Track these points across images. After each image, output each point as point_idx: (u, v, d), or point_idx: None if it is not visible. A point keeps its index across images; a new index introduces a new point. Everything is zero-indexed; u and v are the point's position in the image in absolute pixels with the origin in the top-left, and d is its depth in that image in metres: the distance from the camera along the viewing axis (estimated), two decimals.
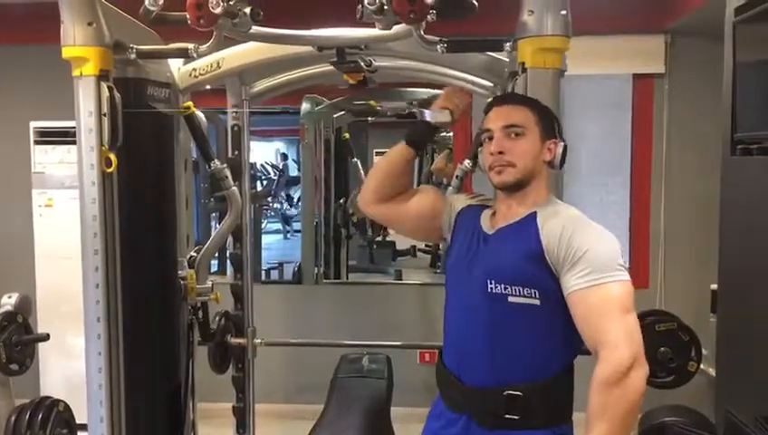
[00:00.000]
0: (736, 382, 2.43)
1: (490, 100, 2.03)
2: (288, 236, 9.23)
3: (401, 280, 5.70)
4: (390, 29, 1.91)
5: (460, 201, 1.94)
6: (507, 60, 2.20)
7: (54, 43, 2.17)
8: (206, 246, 2.65)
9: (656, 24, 4.00)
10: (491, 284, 1.67)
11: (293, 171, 9.67)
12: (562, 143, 1.75)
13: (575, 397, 1.74)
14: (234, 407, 3.14)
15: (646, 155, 4.18)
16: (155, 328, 2.36)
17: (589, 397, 1.54)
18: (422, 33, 1.93)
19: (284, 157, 9.92)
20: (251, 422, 3.17)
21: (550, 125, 1.76)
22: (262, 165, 9.37)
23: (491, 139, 1.74)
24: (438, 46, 1.99)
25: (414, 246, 6.60)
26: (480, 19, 1.86)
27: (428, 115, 1.94)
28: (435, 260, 6.26)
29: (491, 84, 2.64)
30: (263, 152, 9.47)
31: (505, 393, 1.65)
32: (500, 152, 1.71)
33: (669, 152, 4.14)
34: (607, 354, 1.53)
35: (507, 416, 1.66)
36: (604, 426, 1.51)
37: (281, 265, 6.29)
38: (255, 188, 3.94)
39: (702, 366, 2.75)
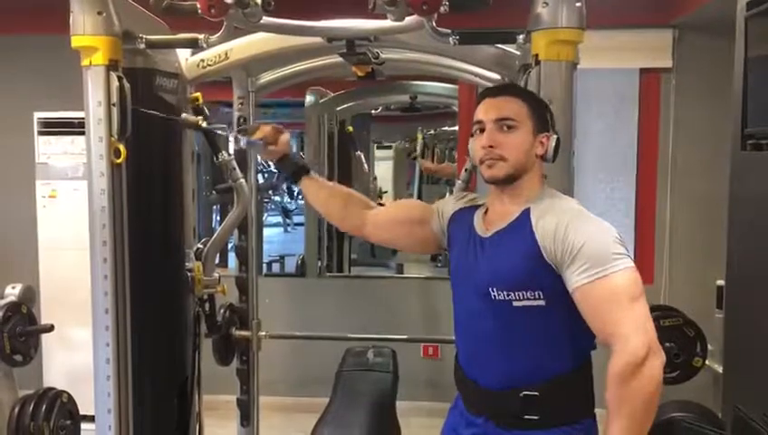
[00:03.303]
0: (744, 378, 2.43)
1: (482, 91, 2.01)
2: (288, 229, 9.21)
3: (402, 274, 5.71)
4: (402, 20, 1.90)
5: (449, 206, 1.90)
6: (518, 53, 2.19)
7: (58, 33, 2.16)
8: (213, 237, 2.64)
9: (663, 18, 3.98)
10: (493, 291, 1.64)
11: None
12: (555, 136, 1.71)
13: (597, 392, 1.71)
14: (238, 399, 3.14)
15: (652, 150, 4.16)
16: (162, 320, 2.35)
17: (606, 393, 1.50)
18: (434, 24, 1.92)
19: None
20: (255, 415, 3.17)
21: (543, 118, 1.71)
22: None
23: (482, 131, 1.69)
24: (450, 38, 1.98)
25: None
26: (486, 12, 1.85)
27: (244, 142, 2.10)
28: (435, 254, 6.26)
29: (499, 77, 2.63)
30: None
31: (522, 394, 1.63)
32: (491, 146, 1.67)
33: (676, 147, 4.13)
34: (620, 347, 1.49)
35: (526, 417, 1.63)
36: (624, 422, 1.48)
37: (282, 258, 6.29)
38: (257, 180, 3.94)
39: (707, 362, 2.76)
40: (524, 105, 1.69)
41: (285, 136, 2.10)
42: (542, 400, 1.62)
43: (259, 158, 3.16)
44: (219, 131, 2.56)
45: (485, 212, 1.78)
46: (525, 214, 1.66)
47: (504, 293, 1.62)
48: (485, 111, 1.70)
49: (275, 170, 9.58)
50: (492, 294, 1.64)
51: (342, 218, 2.08)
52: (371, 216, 2.01)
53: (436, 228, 1.89)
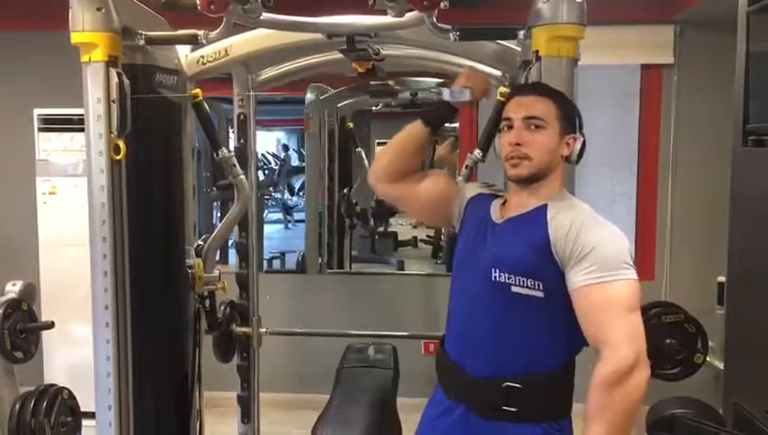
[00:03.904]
0: (745, 375, 2.43)
1: (511, 87, 1.99)
2: (289, 226, 9.21)
3: (403, 270, 5.71)
4: (403, 16, 1.90)
5: (471, 189, 1.92)
6: (519, 49, 2.19)
7: (58, 29, 2.15)
8: (213, 234, 2.64)
9: (665, 13, 3.97)
10: (495, 272, 1.66)
11: (295, 161, 9.66)
12: (581, 138, 1.73)
13: (575, 388, 1.73)
14: (238, 396, 3.15)
15: (653, 146, 4.16)
16: (162, 316, 2.35)
17: (588, 396, 1.53)
18: (434, 20, 1.91)
19: (286, 147, 9.91)
20: (255, 411, 3.17)
21: (571, 120, 1.73)
22: (263, 155, 9.35)
23: (510, 128, 1.71)
24: (451, 34, 1.97)
25: (415, 237, 6.61)
26: (487, 8, 1.84)
27: (448, 94, 1.89)
28: (436, 251, 6.26)
29: (499, 74, 2.62)
30: (264, 142, 9.43)
31: (504, 385, 1.65)
32: (518, 144, 1.69)
33: (677, 143, 4.12)
34: (609, 354, 1.51)
35: (505, 408, 1.65)
36: (602, 427, 1.50)
37: (283, 254, 6.29)
38: (257, 177, 3.94)
39: (708, 358, 2.75)
40: (553, 106, 1.71)
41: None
42: (523, 393, 1.64)
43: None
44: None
45: (503, 203, 1.80)
46: (543, 208, 1.68)
47: (505, 275, 1.64)
48: (515, 110, 1.72)
49: (275, 167, 9.62)
50: (493, 274, 1.66)
51: (387, 165, 1.94)
52: (413, 182, 1.93)
53: (455, 207, 1.91)
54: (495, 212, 1.78)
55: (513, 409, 1.64)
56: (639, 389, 1.50)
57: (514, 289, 1.64)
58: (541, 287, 1.62)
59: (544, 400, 1.67)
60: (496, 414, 1.66)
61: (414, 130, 1.91)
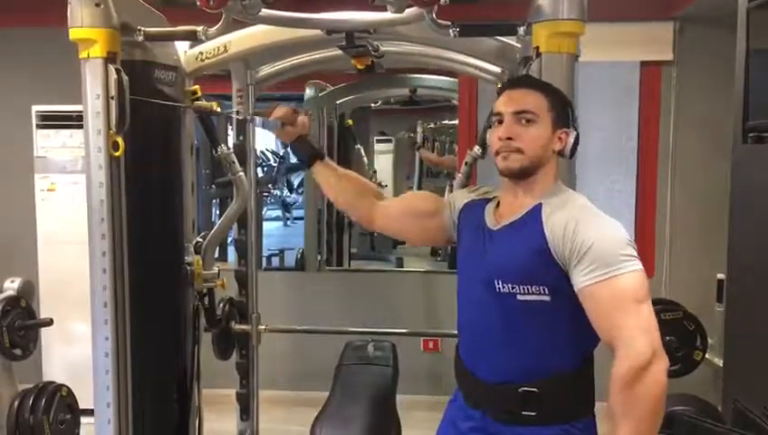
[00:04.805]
0: (744, 372, 2.43)
1: (503, 82, 1.98)
2: (288, 223, 9.21)
3: (402, 267, 5.71)
4: (402, 12, 1.89)
5: (461, 198, 1.89)
6: (518, 45, 2.18)
7: (57, 25, 2.14)
8: (212, 231, 2.64)
9: (665, 10, 3.96)
10: (498, 284, 1.63)
11: (294, 158, 9.64)
12: (575, 132, 1.69)
13: (597, 387, 1.69)
14: (237, 393, 3.15)
15: (653, 143, 4.15)
16: (161, 314, 2.35)
17: (610, 397, 1.49)
18: (434, 16, 1.91)
19: (285, 143, 9.90)
20: (254, 409, 3.17)
21: (563, 113, 1.69)
22: (262, 151, 9.34)
23: (500, 122, 1.68)
24: (451, 31, 1.96)
25: None
26: (487, 4, 1.83)
27: (259, 123, 2.15)
28: (435, 248, 6.26)
29: (499, 70, 2.61)
30: (262, 139, 9.42)
31: (521, 390, 1.62)
32: (509, 138, 1.65)
33: (676, 140, 4.11)
34: (624, 351, 1.47)
35: (524, 413, 1.62)
36: (631, 425, 1.46)
37: (281, 251, 6.29)
38: (256, 174, 3.92)
39: (707, 355, 2.75)
40: (545, 99, 1.67)
41: (303, 118, 2.05)
42: (541, 396, 1.61)
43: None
44: (233, 115, 2.54)
45: (497, 205, 1.77)
46: (537, 209, 1.65)
47: (509, 285, 1.61)
48: (505, 103, 1.69)
49: (274, 164, 9.61)
50: (497, 286, 1.63)
51: (352, 207, 2.06)
52: (382, 207, 2.00)
53: (447, 220, 1.88)
54: (490, 217, 1.75)
55: (532, 413, 1.62)
56: (660, 381, 1.46)
57: (521, 297, 1.61)
58: (546, 291, 1.59)
59: (563, 400, 1.64)
60: (515, 419, 1.64)
61: (315, 175, 2.07)
